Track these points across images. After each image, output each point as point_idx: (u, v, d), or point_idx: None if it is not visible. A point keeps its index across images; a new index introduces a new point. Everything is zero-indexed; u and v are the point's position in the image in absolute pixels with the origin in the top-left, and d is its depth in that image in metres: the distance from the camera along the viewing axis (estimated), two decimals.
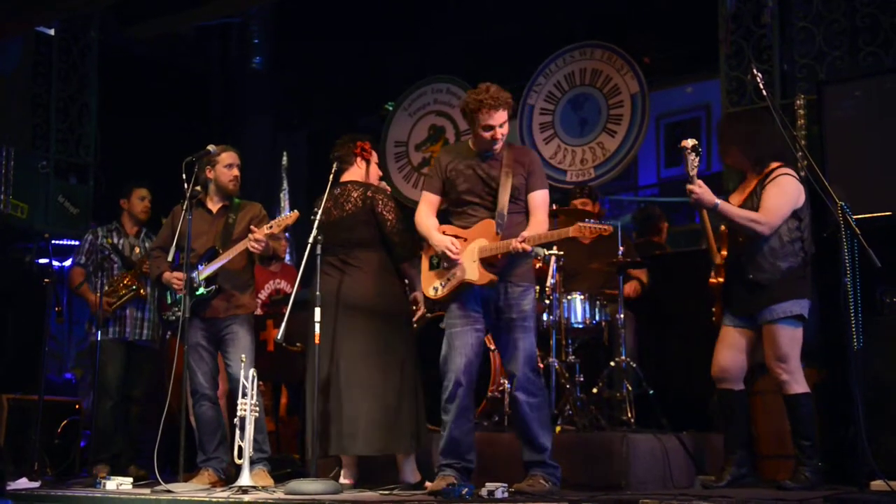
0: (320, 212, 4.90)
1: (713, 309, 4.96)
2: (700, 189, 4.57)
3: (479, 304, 4.59)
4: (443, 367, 4.59)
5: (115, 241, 6.54)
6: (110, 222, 6.67)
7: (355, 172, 5.19)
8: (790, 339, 4.67)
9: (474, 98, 4.53)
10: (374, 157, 5.29)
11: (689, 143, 4.59)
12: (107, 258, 6.49)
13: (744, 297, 4.74)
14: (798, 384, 4.68)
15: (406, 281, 5.29)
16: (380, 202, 5.04)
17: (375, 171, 5.28)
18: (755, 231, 4.63)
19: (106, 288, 6.38)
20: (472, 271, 4.51)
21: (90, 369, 6.78)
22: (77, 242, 6.97)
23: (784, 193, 4.67)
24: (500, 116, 4.53)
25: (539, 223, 4.57)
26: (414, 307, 5.18)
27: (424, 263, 4.75)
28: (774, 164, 4.76)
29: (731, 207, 4.69)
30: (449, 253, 4.52)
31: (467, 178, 4.62)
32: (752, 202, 4.74)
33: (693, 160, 4.59)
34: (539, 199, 4.64)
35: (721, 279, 4.88)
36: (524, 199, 4.63)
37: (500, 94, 4.52)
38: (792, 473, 4.69)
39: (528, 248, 4.44)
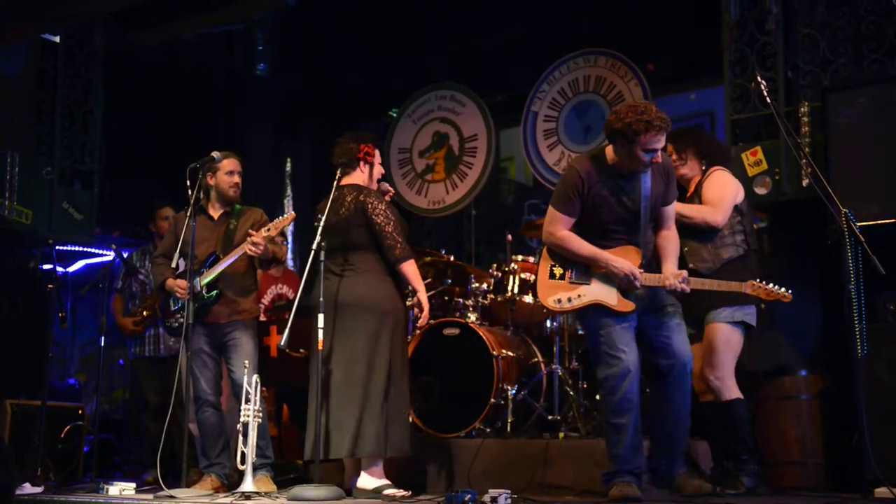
0: (323, 217, 4.89)
1: None
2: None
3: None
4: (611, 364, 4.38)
5: (147, 263, 6.68)
6: (146, 242, 6.78)
7: (357, 176, 5.16)
8: (726, 342, 4.77)
9: (641, 118, 4.21)
10: (377, 157, 5.26)
11: None
12: (142, 283, 6.67)
13: (693, 303, 4.78)
14: (729, 391, 4.78)
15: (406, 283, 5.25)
16: (369, 205, 4.98)
17: (378, 171, 5.25)
18: (708, 222, 4.77)
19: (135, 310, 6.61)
20: (611, 296, 4.43)
21: (129, 388, 6.97)
22: (81, 248, 7.02)
23: (722, 185, 4.87)
24: (663, 139, 4.32)
25: (676, 242, 4.55)
26: (418, 311, 5.12)
27: (544, 272, 4.56)
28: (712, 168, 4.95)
29: (682, 207, 4.78)
30: (635, 282, 4.36)
31: (611, 207, 4.42)
32: (694, 203, 4.93)
33: None
34: (672, 212, 4.59)
35: None
36: (659, 209, 4.53)
37: (664, 115, 4.27)
38: (727, 480, 4.74)
39: (687, 289, 4.37)
